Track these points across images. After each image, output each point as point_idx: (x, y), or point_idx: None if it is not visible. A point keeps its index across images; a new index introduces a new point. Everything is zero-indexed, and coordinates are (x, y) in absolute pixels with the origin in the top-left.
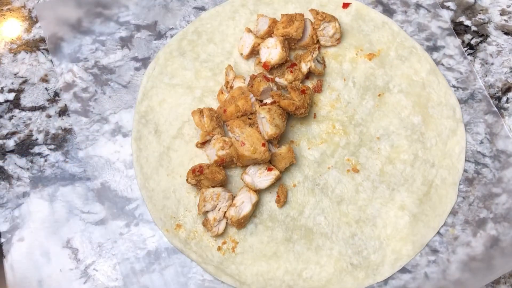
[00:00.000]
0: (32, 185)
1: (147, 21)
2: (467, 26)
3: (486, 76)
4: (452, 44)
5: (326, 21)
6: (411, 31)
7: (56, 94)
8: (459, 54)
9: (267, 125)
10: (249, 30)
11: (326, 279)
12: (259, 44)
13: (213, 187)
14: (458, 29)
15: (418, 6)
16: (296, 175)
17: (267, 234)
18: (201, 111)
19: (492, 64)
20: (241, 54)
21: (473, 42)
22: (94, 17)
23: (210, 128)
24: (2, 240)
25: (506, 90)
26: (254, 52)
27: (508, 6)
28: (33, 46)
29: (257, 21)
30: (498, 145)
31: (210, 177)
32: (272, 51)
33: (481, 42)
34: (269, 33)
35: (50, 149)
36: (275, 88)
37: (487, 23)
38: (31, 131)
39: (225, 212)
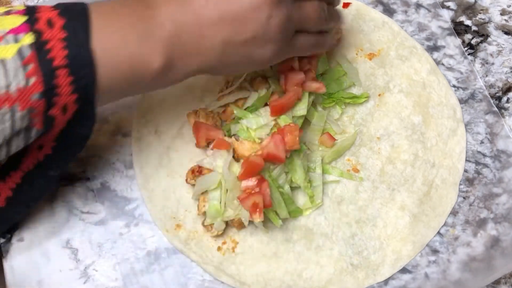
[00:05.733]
0: None
1: None
2: (467, 26)
3: (487, 76)
4: (453, 44)
5: None
6: (411, 30)
7: None
8: (460, 54)
9: None
10: None
11: (326, 279)
12: None
13: None
14: (459, 29)
15: (418, 5)
16: None
17: (267, 234)
18: (196, 112)
19: (493, 64)
20: None
21: (473, 42)
22: None
23: None
24: (1, 240)
25: (506, 90)
26: None
27: (509, 6)
28: None
29: None
30: (499, 145)
31: None
32: None
33: (481, 42)
34: None
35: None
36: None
37: (488, 23)
38: None
39: None
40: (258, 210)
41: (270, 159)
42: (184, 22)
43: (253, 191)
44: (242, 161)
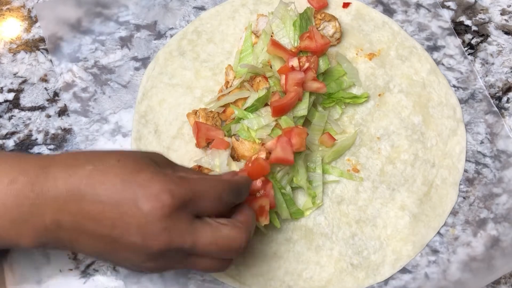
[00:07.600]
0: None
1: (147, 20)
2: (467, 26)
3: (487, 76)
4: (453, 44)
5: (326, 21)
6: (411, 30)
7: (56, 94)
8: (460, 54)
9: None
10: None
11: (326, 279)
12: None
13: None
14: (459, 29)
15: (418, 5)
16: None
17: (267, 234)
18: (196, 112)
19: (493, 64)
20: None
21: (473, 42)
22: (93, 17)
23: None
24: None
25: (506, 90)
26: None
27: (509, 6)
28: (32, 46)
29: (257, 20)
30: (499, 145)
31: None
32: None
33: (481, 42)
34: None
35: (50, 149)
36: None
37: (488, 23)
38: (30, 131)
39: None
40: (264, 213)
41: (279, 163)
42: (65, 220)
43: (258, 194)
44: (242, 161)
